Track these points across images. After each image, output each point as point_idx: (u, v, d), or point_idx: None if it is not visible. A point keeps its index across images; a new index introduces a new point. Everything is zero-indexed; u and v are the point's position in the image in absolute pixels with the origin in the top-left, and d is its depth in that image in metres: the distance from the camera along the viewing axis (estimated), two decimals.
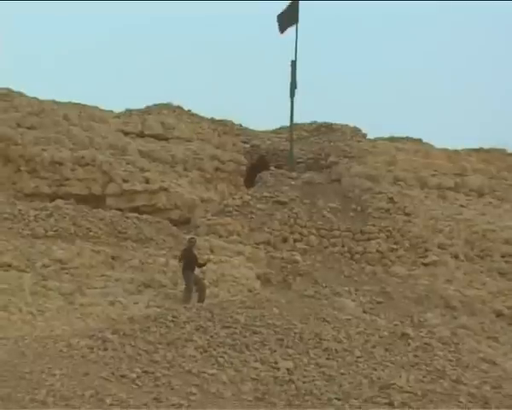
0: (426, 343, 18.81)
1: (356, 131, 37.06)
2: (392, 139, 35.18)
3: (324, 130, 36.96)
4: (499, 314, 24.77)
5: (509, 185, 32.44)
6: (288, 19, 32.70)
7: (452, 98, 73.49)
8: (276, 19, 33.05)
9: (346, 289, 24.00)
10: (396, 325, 20.82)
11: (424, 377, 16.73)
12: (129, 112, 33.67)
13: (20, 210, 24.62)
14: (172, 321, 17.44)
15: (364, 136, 36.90)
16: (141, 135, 31.96)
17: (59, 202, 25.92)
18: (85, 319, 19.18)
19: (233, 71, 73.86)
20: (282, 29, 33.05)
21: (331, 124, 37.49)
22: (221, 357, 16.23)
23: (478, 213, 29.80)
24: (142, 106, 34.62)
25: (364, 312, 22.17)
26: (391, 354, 17.71)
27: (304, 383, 15.62)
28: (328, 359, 16.93)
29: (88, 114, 30.98)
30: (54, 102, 31.13)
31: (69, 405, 13.46)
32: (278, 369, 16.08)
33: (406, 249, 26.89)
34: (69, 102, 31.75)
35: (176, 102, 35.06)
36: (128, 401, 13.83)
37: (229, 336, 17.08)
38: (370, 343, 18.15)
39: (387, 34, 79.35)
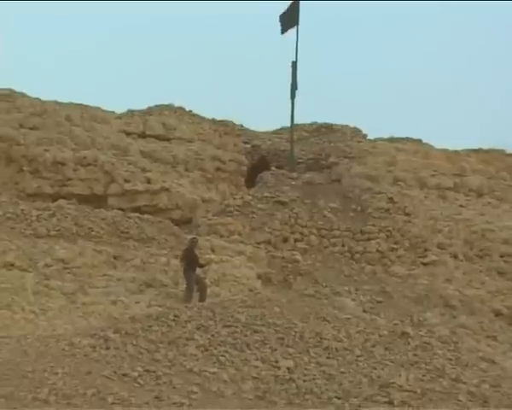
0: (425, 342, 18.81)
1: (356, 132, 37.09)
2: (391, 140, 35.21)
3: (325, 130, 36.99)
4: (498, 314, 24.78)
5: (508, 186, 32.45)
6: (288, 20, 32.71)
7: (452, 98, 73.49)
8: (278, 19, 33.10)
9: (346, 288, 23.99)
10: (396, 324, 20.81)
11: (424, 375, 16.72)
12: (130, 113, 33.70)
13: (22, 210, 24.63)
14: (174, 320, 17.44)
15: (364, 136, 36.93)
16: (142, 135, 31.98)
17: (61, 201, 25.93)
18: (87, 318, 19.18)
19: (233, 71, 73.85)
20: (283, 30, 33.06)
21: (331, 124, 37.52)
22: (222, 356, 16.23)
23: (477, 213, 29.81)
24: (142, 106, 34.68)
25: (364, 311, 22.16)
26: (391, 353, 17.71)
27: (304, 381, 15.62)
28: (328, 358, 16.93)
29: (90, 115, 31.00)
30: (56, 102, 31.14)
31: (71, 403, 13.46)
32: (279, 368, 16.07)
33: (406, 249, 26.89)
34: (71, 103, 31.77)
35: (177, 103, 35.13)
36: (130, 400, 13.83)
37: (230, 335, 17.08)
38: (370, 342, 18.14)
39: (387, 34, 79.33)
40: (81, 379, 14.38)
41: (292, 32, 32.73)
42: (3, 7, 71.06)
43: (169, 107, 34.73)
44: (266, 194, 28.58)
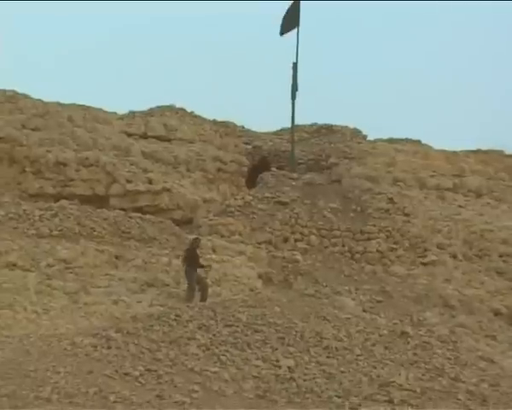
0: (425, 342, 18.80)
1: (356, 133, 37.11)
2: (391, 141, 35.22)
3: (325, 131, 37.01)
4: (497, 313, 24.78)
5: (507, 186, 32.46)
6: (289, 22, 32.69)
7: (452, 98, 73.38)
8: (280, 20, 33.04)
9: (347, 288, 23.99)
10: (395, 323, 20.81)
11: (423, 374, 16.72)
12: (132, 114, 33.71)
13: (25, 210, 24.62)
14: (175, 320, 17.44)
15: (364, 137, 36.96)
16: (144, 136, 31.99)
17: (63, 202, 25.93)
18: (89, 318, 19.17)
19: (234, 71, 73.77)
20: (283, 31, 33.03)
21: (332, 125, 37.55)
22: (223, 355, 16.22)
23: (476, 213, 29.81)
24: (143, 106, 34.71)
25: (364, 311, 22.16)
26: (390, 353, 17.70)
27: (304, 380, 15.62)
28: (328, 357, 16.93)
29: (92, 116, 31.02)
30: (58, 103, 31.17)
31: (73, 402, 13.46)
32: (279, 367, 16.07)
33: (405, 249, 26.89)
34: (73, 104, 31.79)
35: (178, 104, 35.13)
36: (131, 399, 13.83)
37: (232, 335, 17.08)
38: (370, 342, 18.14)
39: (387, 34, 79.19)
40: (83, 378, 14.38)
41: (291, 33, 32.75)
42: (3, 7, 71.02)
43: (170, 108, 34.73)
44: (267, 194, 28.58)
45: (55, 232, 23.68)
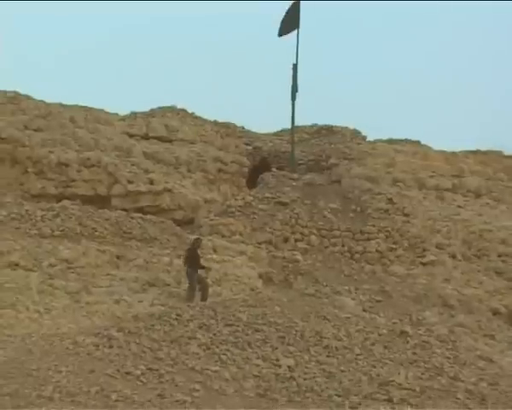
0: (424, 341, 18.80)
1: (356, 134, 37.13)
2: (391, 141, 35.23)
3: (325, 132, 37.03)
4: (496, 313, 24.78)
5: (506, 186, 32.46)
6: (288, 23, 32.67)
7: (451, 99, 73.28)
8: (280, 20, 33.02)
9: (346, 288, 23.99)
10: (395, 323, 20.81)
11: (422, 374, 16.71)
12: (134, 115, 33.72)
13: (27, 210, 24.63)
14: (176, 319, 17.44)
15: (364, 138, 36.97)
16: (145, 137, 32.00)
17: (65, 202, 25.93)
18: (91, 318, 19.17)
19: (234, 71, 73.68)
20: (282, 33, 33.01)
21: (331, 126, 37.56)
22: (224, 354, 16.22)
23: (475, 213, 29.81)
24: (143, 105, 34.85)
25: (364, 310, 22.16)
26: (390, 352, 17.69)
27: (305, 379, 15.61)
28: (328, 356, 16.92)
29: (94, 117, 31.03)
30: (60, 104, 31.18)
31: (75, 401, 13.46)
32: (280, 366, 16.07)
33: (405, 249, 26.89)
34: (75, 105, 31.81)
35: (178, 104, 35.15)
36: (133, 398, 13.84)
37: (232, 334, 17.08)
38: (370, 341, 18.13)
39: (387, 34, 79.09)
40: (85, 377, 14.38)
41: (290, 34, 32.73)
42: (3, 7, 70.90)
43: (171, 109, 34.75)
44: (267, 195, 28.58)
45: (56, 232, 23.68)
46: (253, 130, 37.08)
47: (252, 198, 28.45)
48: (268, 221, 27.29)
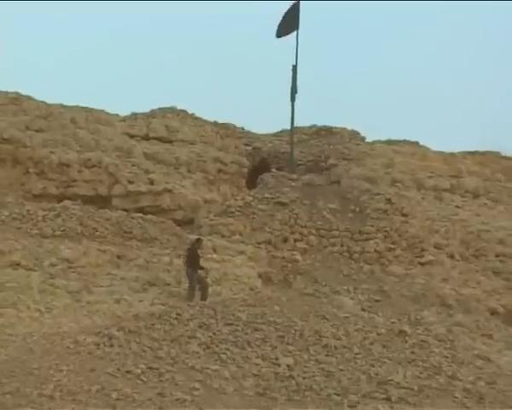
0: (422, 340, 18.81)
1: (354, 135, 37.10)
2: (389, 142, 35.21)
3: (324, 133, 37.00)
4: (494, 312, 24.80)
5: (504, 187, 32.47)
6: (287, 24, 32.63)
7: (450, 99, 73.08)
8: (280, 20, 32.93)
9: (345, 287, 23.99)
10: (393, 322, 20.80)
11: (421, 373, 16.72)
12: (134, 115, 33.71)
13: (28, 210, 24.63)
14: (176, 318, 17.45)
15: (363, 139, 36.94)
16: (146, 138, 31.98)
17: (66, 202, 25.92)
18: (92, 317, 19.18)
19: (234, 71, 73.47)
20: (280, 34, 32.97)
21: (331, 127, 37.54)
22: (223, 353, 16.23)
23: (473, 213, 29.82)
24: (143, 105, 34.84)
25: (363, 310, 22.15)
26: (388, 351, 17.70)
27: (304, 378, 15.62)
28: (327, 355, 16.93)
29: (94, 118, 31.02)
30: (61, 105, 31.17)
31: (76, 400, 13.48)
32: (279, 365, 16.08)
33: (403, 249, 26.89)
34: (76, 106, 31.80)
35: (178, 105, 35.14)
36: (133, 396, 13.85)
37: (232, 334, 17.08)
38: (368, 340, 18.14)
39: (386, 35, 78.85)
40: (85, 376, 14.39)
41: (289, 35, 32.71)
42: (3, 7, 70.66)
43: (172, 110, 34.72)
44: (267, 195, 28.58)
45: (58, 232, 23.69)
46: (253, 131, 37.08)
47: (251, 198, 28.45)
48: (267, 221, 27.28)
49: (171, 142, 32.18)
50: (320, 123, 38.24)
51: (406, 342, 18.52)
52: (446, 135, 57.42)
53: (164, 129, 32.51)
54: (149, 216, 26.36)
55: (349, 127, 37.79)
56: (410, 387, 15.79)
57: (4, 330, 17.53)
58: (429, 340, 18.97)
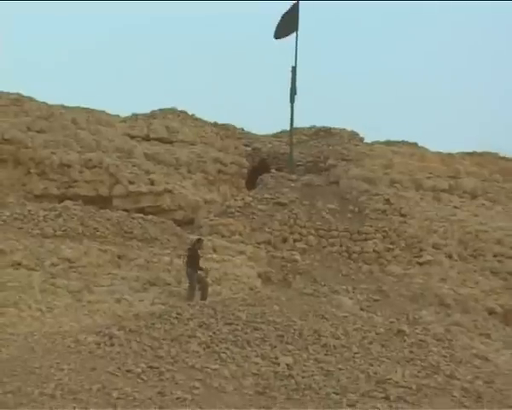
0: (421, 340, 18.81)
1: (353, 135, 37.13)
2: (388, 143, 35.23)
3: (323, 134, 37.03)
4: (491, 312, 24.81)
5: (501, 188, 32.48)
6: (286, 26, 32.61)
7: (449, 99, 72.96)
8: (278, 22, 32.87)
9: (344, 287, 23.99)
10: (392, 322, 20.80)
11: (419, 372, 16.73)
12: (135, 116, 33.71)
13: (29, 211, 24.63)
14: (176, 318, 17.45)
15: (362, 140, 36.98)
16: (146, 138, 31.99)
17: (67, 202, 25.92)
18: (92, 316, 19.17)
19: (233, 72, 73.38)
20: (279, 35, 32.95)
21: (330, 128, 37.57)
22: (223, 353, 16.23)
23: (471, 214, 29.82)
24: (142, 105, 34.90)
25: (361, 309, 22.16)
26: (387, 350, 17.71)
27: (303, 377, 15.62)
28: (326, 354, 16.93)
29: (95, 119, 31.02)
30: (62, 106, 31.17)
31: (77, 398, 13.47)
32: (278, 364, 16.08)
33: (402, 249, 26.89)
34: (77, 107, 31.80)
35: (179, 106, 35.16)
36: (133, 395, 13.85)
37: (231, 333, 17.09)
38: (367, 340, 18.14)
39: (385, 35, 78.73)
40: (86, 375, 14.39)
41: (287, 37, 32.69)
42: (3, 7, 70.53)
43: (172, 111, 34.74)
44: (266, 195, 28.58)
45: (59, 232, 23.68)
46: (253, 131, 37.11)
47: (251, 199, 28.45)
48: (267, 221, 27.28)
49: (171, 142, 32.18)
50: (319, 124, 38.34)
51: (405, 341, 18.52)
52: (445, 135, 57.38)
53: (164, 130, 32.52)
54: (150, 216, 26.36)
55: (348, 128, 37.84)
56: (408, 386, 15.79)
57: (6, 329, 17.52)
58: (427, 339, 18.98)
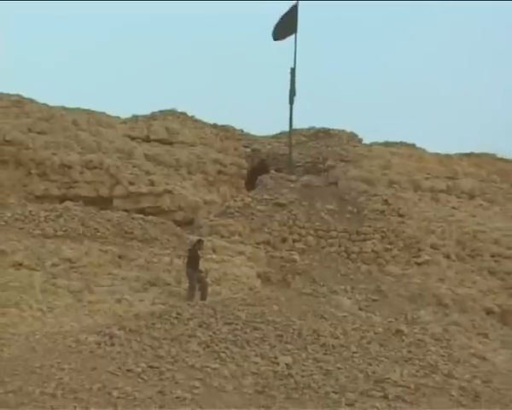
0: (419, 339, 18.83)
1: (352, 137, 37.11)
2: (386, 144, 35.20)
3: (322, 135, 37.01)
4: (489, 312, 24.82)
5: (499, 188, 32.48)
6: (285, 27, 32.59)
7: (449, 100, 72.80)
8: (276, 24, 32.84)
9: (343, 287, 23.99)
10: (390, 321, 20.82)
11: (417, 371, 16.74)
12: (135, 118, 33.69)
13: (30, 211, 24.62)
14: (176, 318, 17.46)
15: (360, 141, 36.95)
16: (146, 140, 31.97)
17: (68, 203, 25.93)
18: (93, 316, 19.17)
19: (233, 73, 73.24)
20: (278, 37, 32.94)
21: (328, 129, 37.55)
22: (223, 352, 16.24)
23: (469, 214, 29.82)
24: (142, 105, 34.86)
25: (360, 309, 22.17)
26: (385, 350, 17.72)
27: (302, 377, 15.63)
28: (325, 354, 16.94)
29: (96, 120, 31.00)
30: (63, 108, 31.15)
31: (77, 398, 13.48)
32: (278, 364, 16.08)
33: (400, 249, 26.89)
34: (78, 109, 31.78)
35: (179, 107, 35.15)
36: (134, 395, 13.85)
37: (231, 333, 17.09)
38: (366, 339, 18.15)
39: (384, 35, 78.56)
40: (87, 375, 14.39)
41: (286, 38, 32.68)
42: (3, 7, 70.33)
43: (172, 112, 34.73)
44: (266, 196, 28.57)
45: (59, 233, 23.68)
46: (252, 133, 37.08)
47: (250, 199, 28.45)
48: (266, 222, 27.28)
49: (171, 144, 32.16)
50: (318, 125, 38.28)
51: (403, 341, 18.54)
52: (445, 136, 57.22)
53: (164, 131, 32.50)
54: (150, 217, 26.36)
55: (347, 129, 37.81)
56: (406, 385, 15.80)
57: (7, 329, 17.52)
58: (426, 339, 18.99)
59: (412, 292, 24.50)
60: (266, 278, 24.17)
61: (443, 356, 17.96)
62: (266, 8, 63.58)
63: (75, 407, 13.15)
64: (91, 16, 77.88)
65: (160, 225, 25.90)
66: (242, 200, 28.54)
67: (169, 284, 21.75)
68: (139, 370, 14.95)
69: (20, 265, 21.26)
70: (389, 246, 26.91)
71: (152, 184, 28.72)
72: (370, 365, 16.65)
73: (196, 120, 34.72)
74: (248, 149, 34.76)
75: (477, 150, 34.98)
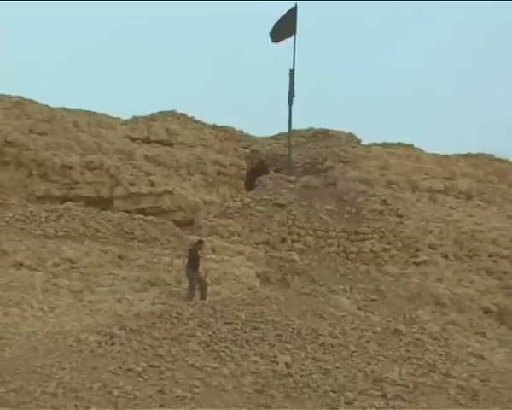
0: (417, 339, 18.82)
1: (351, 137, 37.09)
2: (385, 145, 35.19)
3: (321, 136, 36.99)
4: (487, 311, 24.81)
5: (496, 188, 32.48)
6: (284, 29, 32.57)
7: (448, 100, 72.72)
8: (275, 25, 32.82)
9: (342, 287, 23.99)
10: (389, 321, 20.81)
11: (415, 370, 16.74)
12: (135, 119, 33.68)
13: (31, 212, 24.62)
14: (176, 317, 17.45)
15: (359, 141, 36.93)
16: (147, 141, 31.96)
17: (69, 204, 25.93)
18: (94, 316, 19.16)
19: (233, 71, 73.10)
20: (277, 38, 32.92)
21: (327, 130, 37.53)
22: (223, 352, 16.23)
23: (466, 214, 29.82)
24: (144, 108, 34.75)
25: (359, 309, 22.16)
26: (384, 349, 17.71)
27: (301, 376, 15.63)
28: (324, 353, 16.94)
29: (96, 121, 30.99)
30: (64, 109, 31.14)
31: (78, 397, 13.47)
32: (277, 363, 16.08)
33: (398, 249, 26.89)
34: (78, 110, 31.77)
35: (179, 108, 35.13)
36: (134, 394, 13.85)
37: (231, 332, 17.09)
38: (364, 339, 18.15)
39: (383, 36, 78.45)
40: (88, 374, 14.39)
41: (285, 40, 32.66)
42: (3, 7, 70.20)
43: (172, 113, 34.72)
44: (265, 196, 28.57)
45: (60, 233, 23.68)
46: (251, 134, 37.09)
47: (250, 200, 28.44)
48: (266, 222, 27.28)
49: (171, 144, 32.14)
50: (317, 126, 38.27)
51: (401, 340, 18.54)
52: (445, 136, 57.16)
53: (164, 132, 32.49)
54: (150, 217, 26.35)
55: (345, 130, 37.80)
56: (405, 384, 15.80)
57: (8, 328, 17.51)
58: (424, 338, 18.99)
59: (410, 292, 24.50)
60: (265, 278, 24.17)
61: (441, 355, 17.96)
62: (266, 8, 63.60)
63: (76, 406, 13.15)
64: (91, 16, 77.82)
65: (160, 225, 25.89)
66: (242, 200, 28.53)
67: (169, 284, 21.74)
68: (139, 369, 14.95)
69: (22, 265, 21.25)
70: (387, 246, 26.91)
71: (152, 184, 28.71)
72: (369, 364, 16.65)
73: (196, 121, 34.71)
74: (248, 150, 34.76)
75: (476, 151, 35.02)
